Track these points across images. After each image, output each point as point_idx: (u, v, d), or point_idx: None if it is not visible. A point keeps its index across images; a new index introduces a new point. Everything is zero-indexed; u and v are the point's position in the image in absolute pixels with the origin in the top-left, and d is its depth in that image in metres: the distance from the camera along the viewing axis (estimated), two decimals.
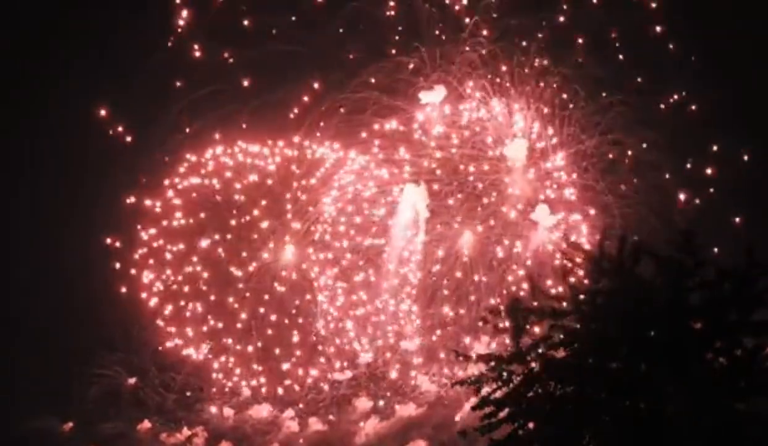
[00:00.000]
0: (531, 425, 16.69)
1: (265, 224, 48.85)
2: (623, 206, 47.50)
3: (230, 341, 48.63)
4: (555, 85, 48.95)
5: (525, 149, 48.02)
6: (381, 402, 47.11)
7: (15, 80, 47.82)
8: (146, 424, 47.34)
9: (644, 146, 48.06)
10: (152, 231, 48.89)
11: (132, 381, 48.65)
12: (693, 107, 48.40)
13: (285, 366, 48.46)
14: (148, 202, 48.91)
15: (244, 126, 48.94)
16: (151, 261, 48.93)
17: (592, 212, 47.87)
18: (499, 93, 48.82)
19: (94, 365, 48.31)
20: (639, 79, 48.42)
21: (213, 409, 47.99)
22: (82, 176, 47.76)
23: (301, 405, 47.69)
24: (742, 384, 16.09)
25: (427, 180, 48.35)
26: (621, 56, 48.53)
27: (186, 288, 48.84)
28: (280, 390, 48.32)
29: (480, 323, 41.95)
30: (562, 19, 49.64)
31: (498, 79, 48.90)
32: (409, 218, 47.66)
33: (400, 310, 48.34)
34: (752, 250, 16.18)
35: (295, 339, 48.66)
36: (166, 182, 49.00)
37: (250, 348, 48.54)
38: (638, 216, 46.36)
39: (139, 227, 48.97)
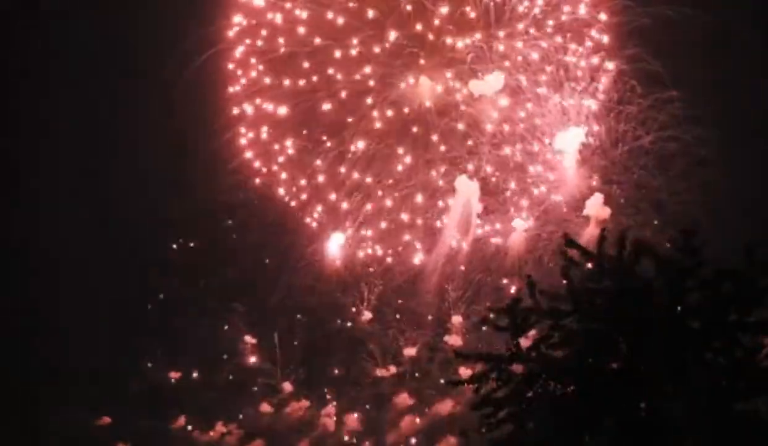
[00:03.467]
0: (531, 425, 16.74)
1: None
2: (677, 204, 46.96)
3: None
4: (610, 80, 48.52)
5: (578, 143, 47.67)
6: (421, 399, 46.97)
7: None
8: (181, 421, 47.83)
9: (701, 143, 47.34)
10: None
11: (175, 376, 49.17)
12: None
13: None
14: None
15: None
16: None
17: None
18: (552, 88, 48.53)
19: (138, 361, 48.96)
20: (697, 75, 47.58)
21: (250, 408, 48.28)
22: None
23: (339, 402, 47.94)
24: (742, 384, 15.99)
25: (481, 175, 48.25)
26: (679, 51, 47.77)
27: None
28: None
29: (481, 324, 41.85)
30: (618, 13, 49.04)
31: (552, 74, 48.59)
32: (461, 211, 47.51)
33: (445, 304, 48.31)
34: (752, 250, 16.06)
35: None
36: None
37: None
38: (690, 214, 45.68)
39: None
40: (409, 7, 48.30)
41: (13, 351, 45.14)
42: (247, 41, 49.55)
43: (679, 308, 16.27)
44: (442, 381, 47.13)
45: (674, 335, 16.10)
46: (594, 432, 16.37)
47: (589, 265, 16.94)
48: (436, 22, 48.09)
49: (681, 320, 16.26)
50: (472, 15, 48.21)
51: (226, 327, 49.66)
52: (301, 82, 48.72)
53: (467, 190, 47.83)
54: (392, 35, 48.08)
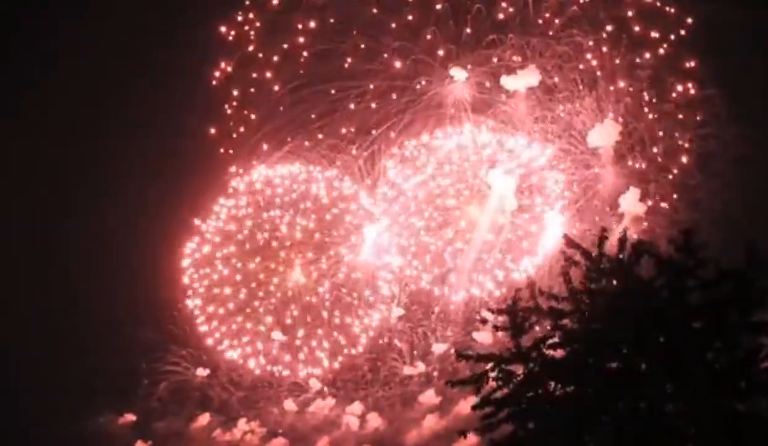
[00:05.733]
0: (531, 425, 16.67)
1: None
2: (715, 202, 46.50)
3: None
4: (647, 78, 48.23)
5: (614, 139, 47.31)
6: (447, 398, 46.75)
7: None
8: (203, 421, 47.87)
9: (740, 141, 46.81)
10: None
11: (203, 374, 49.23)
12: None
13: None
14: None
15: None
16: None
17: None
18: (588, 86, 48.28)
19: (165, 361, 49.15)
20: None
21: (274, 406, 48.19)
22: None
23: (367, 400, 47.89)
24: (742, 384, 15.85)
25: (516, 171, 48.13)
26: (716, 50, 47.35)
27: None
28: None
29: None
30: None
31: (587, 72, 48.35)
32: (496, 207, 47.35)
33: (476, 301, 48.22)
34: (753, 250, 15.91)
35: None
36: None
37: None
38: (728, 213, 45.15)
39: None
40: (441, 52, 48.33)
41: (37, 351, 45.65)
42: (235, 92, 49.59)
43: (679, 308, 16.14)
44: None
45: (674, 335, 15.98)
46: (594, 433, 16.27)
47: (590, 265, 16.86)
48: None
49: (681, 321, 16.12)
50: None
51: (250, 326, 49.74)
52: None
53: (502, 186, 47.62)
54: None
